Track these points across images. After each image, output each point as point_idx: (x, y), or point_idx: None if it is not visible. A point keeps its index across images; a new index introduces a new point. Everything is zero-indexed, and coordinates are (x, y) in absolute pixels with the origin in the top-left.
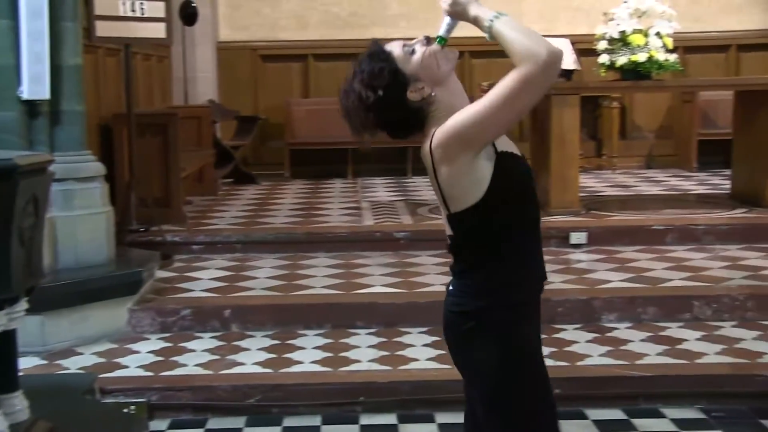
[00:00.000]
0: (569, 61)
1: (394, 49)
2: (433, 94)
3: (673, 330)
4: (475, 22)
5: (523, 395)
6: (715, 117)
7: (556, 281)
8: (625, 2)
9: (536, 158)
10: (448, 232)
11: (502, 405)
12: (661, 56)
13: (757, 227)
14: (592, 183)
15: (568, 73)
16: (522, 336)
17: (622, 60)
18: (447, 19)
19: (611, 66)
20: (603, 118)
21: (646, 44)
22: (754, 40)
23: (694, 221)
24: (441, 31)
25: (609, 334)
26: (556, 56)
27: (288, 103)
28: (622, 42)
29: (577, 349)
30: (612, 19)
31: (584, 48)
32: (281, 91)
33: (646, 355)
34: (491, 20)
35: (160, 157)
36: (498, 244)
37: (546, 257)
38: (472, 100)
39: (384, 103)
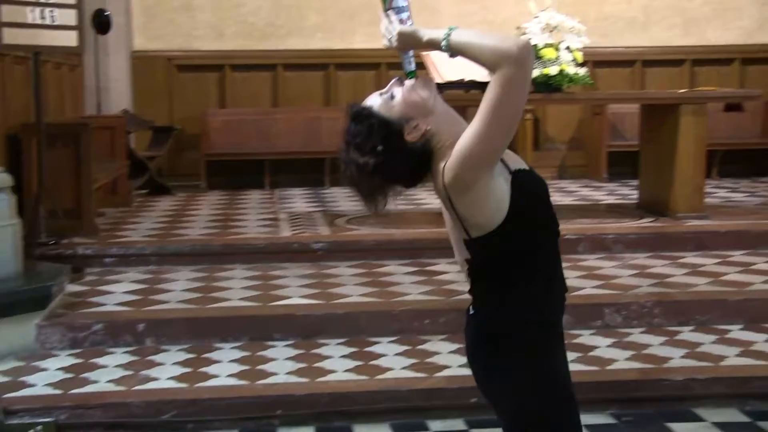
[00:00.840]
0: (486, 74)
1: (373, 101)
2: (429, 127)
3: (586, 337)
4: (431, 45)
5: (554, 418)
6: (623, 129)
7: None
8: (537, 17)
9: None
10: (464, 256)
11: (534, 429)
12: (571, 70)
13: (663, 236)
14: None
15: (484, 86)
16: (553, 357)
17: (534, 73)
18: (406, 54)
19: None
20: (517, 129)
21: (557, 58)
22: (658, 56)
23: (604, 230)
24: (407, 67)
25: None
26: (526, 48)
27: (204, 113)
28: (534, 56)
29: None
30: (524, 34)
31: None
32: (197, 101)
33: None
34: (446, 37)
35: (71, 168)
36: (523, 263)
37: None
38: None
39: (387, 159)
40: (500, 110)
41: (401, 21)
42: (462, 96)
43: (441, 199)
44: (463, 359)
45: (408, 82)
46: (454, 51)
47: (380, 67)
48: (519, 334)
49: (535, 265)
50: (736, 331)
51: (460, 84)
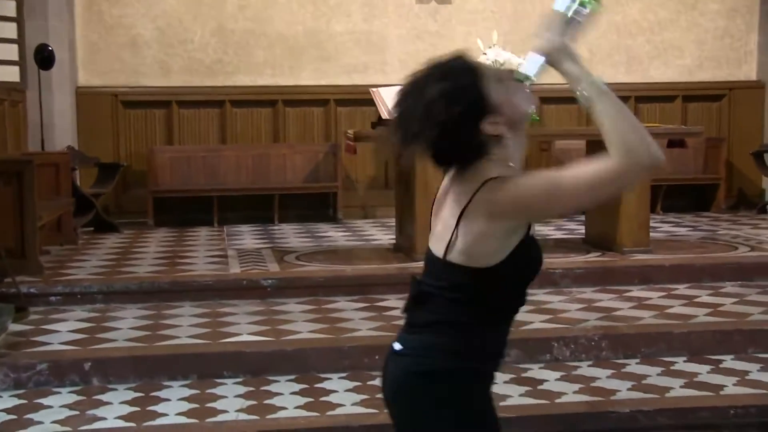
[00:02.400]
0: None
1: (487, 69)
2: (503, 135)
3: (535, 371)
4: (566, 76)
5: None
6: (569, 164)
7: None
8: (485, 54)
9: (401, 205)
10: (427, 277)
11: None
12: None
13: (609, 270)
14: None
15: None
16: (487, 405)
17: None
18: (540, 59)
19: None
20: None
21: None
22: None
23: (552, 265)
24: (532, 71)
25: None
26: (657, 163)
27: (151, 150)
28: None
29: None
30: None
31: None
32: (144, 137)
33: (509, 396)
34: (592, 84)
35: (14, 206)
36: (485, 310)
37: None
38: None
39: (455, 123)
40: (588, 190)
41: (576, 22)
42: None
43: (455, 199)
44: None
45: (527, 89)
46: (587, 100)
47: (328, 103)
48: (459, 375)
49: (495, 316)
50: (681, 363)
51: None
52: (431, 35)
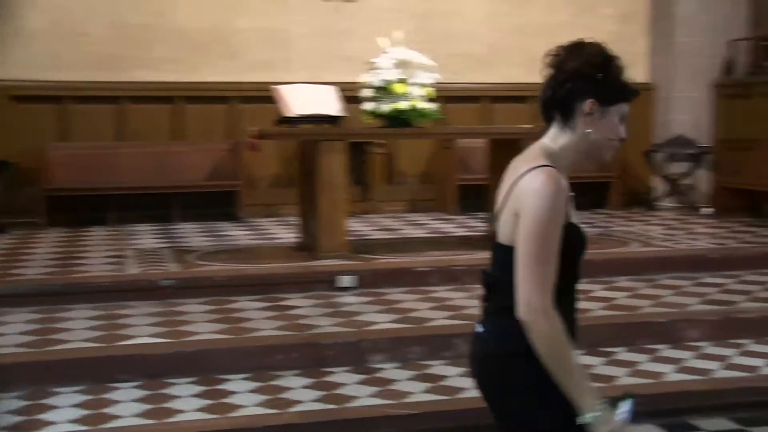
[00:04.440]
0: (336, 108)
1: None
2: (589, 130)
3: (437, 367)
4: None
5: None
6: (472, 163)
7: (325, 325)
8: (389, 52)
9: (305, 203)
10: (493, 264)
11: None
12: (422, 105)
13: None
14: (359, 227)
15: (335, 120)
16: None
17: (386, 108)
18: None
19: (376, 113)
20: (369, 163)
21: (409, 93)
22: (504, 92)
23: (455, 262)
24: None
25: (377, 375)
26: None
27: (43, 147)
28: (385, 91)
29: (347, 391)
30: (376, 69)
31: (350, 95)
32: (35, 134)
33: (412, 393)
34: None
35: None
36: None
37: (315, 301)
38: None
39: (572, 74)
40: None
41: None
42: (312, 130)
43: (510, 178)
44: (316, 393)
45: (617, 144)
46: None
47: (230, 101)
48: (532, 356)
49: (559, 293)
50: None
51: (310, 118)
52: (336, 33)
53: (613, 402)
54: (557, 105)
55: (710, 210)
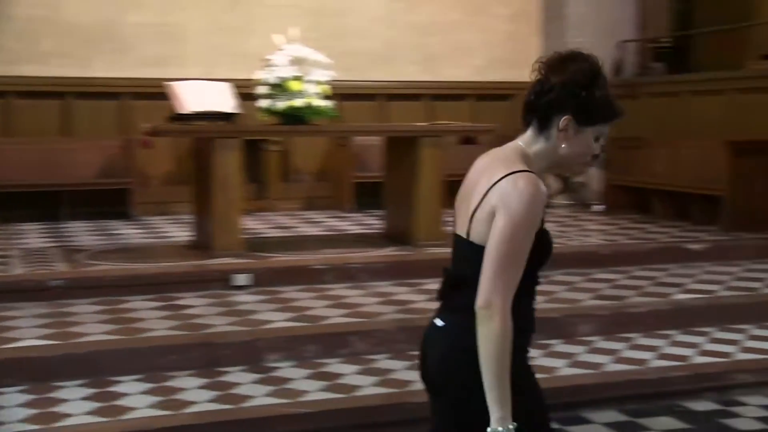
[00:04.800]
0: (230, 106)
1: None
2: (563, 145)
3: (333, 366)
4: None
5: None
6: (368, 161)
7: (220, 324)
8: (284, 50)
9: (199, 201)
10: (457, 261)
11: None
12: (317, 102)
13: (406, 264)
14: (255, 225)
15: (230, 117)
16: (525, 375)
17: (281, 105)
18: None
19: (271, 111)
20: (265, 161)
21: (304, 91)
22: (400, 90)
23: (350, 260)
24: None
25: (273, 374)
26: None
27: None
28: (280, 88)
29: (242, 390)
30: (271, 66)
31: (245, 92)
32: None
33: (308, 392)
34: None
35: None
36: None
37: (210, 300)
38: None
39: (558, 87)
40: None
41: None
42: (207, 127)
43: (486, 178)
44: (211, 393)
45: (593, 164)
46: None
47: (121, 97)
48: None
49: (521, 293)
50: None
51: (205, 115)
52: (231, 29)
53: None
54: (536, 112)
55: (602, 207)
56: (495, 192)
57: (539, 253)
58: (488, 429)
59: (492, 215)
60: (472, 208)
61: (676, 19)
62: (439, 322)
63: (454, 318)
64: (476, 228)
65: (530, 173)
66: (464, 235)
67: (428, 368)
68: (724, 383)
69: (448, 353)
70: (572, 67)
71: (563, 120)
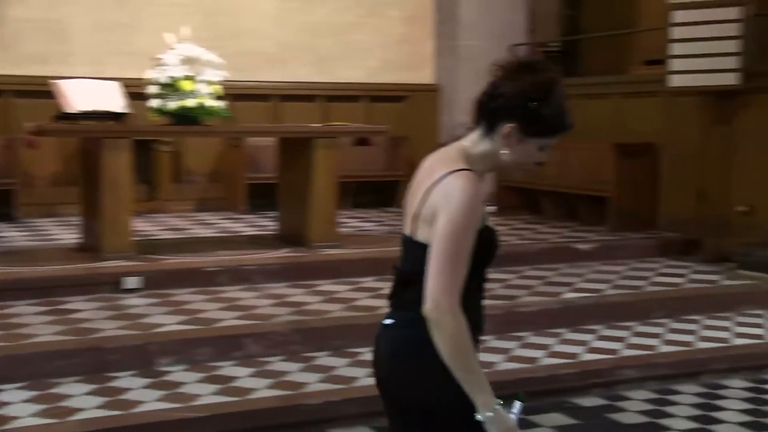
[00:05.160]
0: (120, 105)
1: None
2: (503, 151)
3: (227, 369)
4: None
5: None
6: (261, 162)
7: (108, 328)
8: (175, 49)
9: (87, 203)
10: (406, 260)
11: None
12: (210, 103)
13: (300, 265)
14: (146, 227)
15: (119, 117)
16: None
17: (172, 105)
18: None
19: (162, 111)
20: (156, 162)
21: (196, 91)
22: (293, 91)
23: (244, 262)
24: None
25: (165, 378)
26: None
27: None
28: (172, 88)
29: (133, 396)
30: (162, 65)
31: (135, 92)
32: None
33: (201, 396)
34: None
35: None
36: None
37: (98, 304)
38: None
39: (505, 97)
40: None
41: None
42: (95, 127)
43: (429, 176)
44: (99, 399)
45: (533, 168)
46: None
47: (3, 95)
48: None
49: (468, 291)
50: (367, 353)
51: (93, 115)
52: (120, 27)
53: (505, 403)
54: (484, 114)
55: (493, 208)
56: (436, 191)
57: (484, 251)
58: (477, 417)
59: (434, 214)
60: (415, 207)
61: (564, 24)
62: (387, 321)
63: (402, 314)
64: (420, 227)
65: (469, 172)
66: (410, 234)
67: (380, 367)
68: (610, 379)
69: (398, 347)
70: (527, 78)
71: (507, 127)
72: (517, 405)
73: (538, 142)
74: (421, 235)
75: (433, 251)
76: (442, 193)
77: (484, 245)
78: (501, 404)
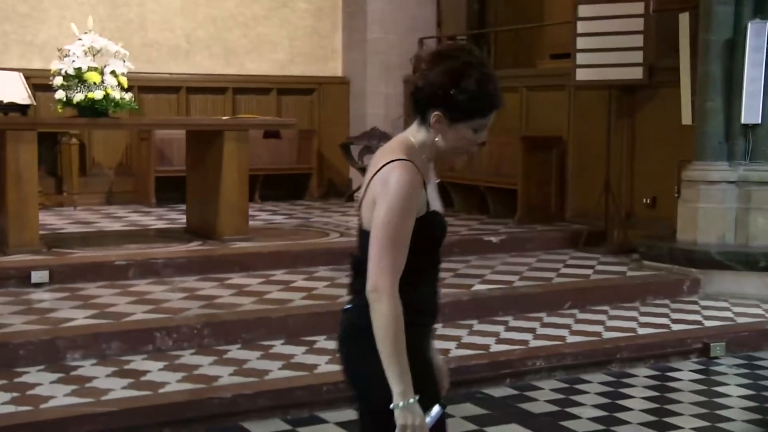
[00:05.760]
0: (23, 96)
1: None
2: (436, 139)
3: (137, 363)
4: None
5: None
6: (170, 155)
7: (16, 323)
8: (80, 39)
9: None
10: (359, 249)
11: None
12: (117, 95)
13: (210, 259)
14: (53, 220)
15: (23, 109)
16: (419, 352)
17: (78, 97)
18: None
19: (68, 102)
20: (62, 154)
21: (102, 82)
22: (202, 83)
23: (153, 255)
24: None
25: (74, 373)
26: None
27: None
28: (77, 79)
29: (41, 391)
30: (67, 56)
31: (40, 83)
32: None
33: (111, 390)
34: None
35: None
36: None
37: (5, 299)
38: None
39: (430, 82)
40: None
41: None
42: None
43: (372, 170)
44: (6, 395)
45: (473, 149)
46: None
47: None
48: None
49: (412, 282)
50: (279, 346)
51: None
52: (21, 17)
53: (424, 403)
54: (414, 105)
55: None
56: (376, 180)
57: (431, 234)
58: (391, 405)
59: (374, 203)
60: (361, 197)
61: (472, 18)
62: (346, 307)
63: (356, 299)
64: (365, 215)
65: (407, 161)
66: (359, 224)
67: (339, 350)
68: (520, 369)
69: (348, 332)
70: (439, 66)
71: (434, 116)
72: (436, 409)
73: (469, 125)
74: (366, 224)
75: (372, 238)
76: (380, 182)
77: (429, 229)
78: (418, 399)
